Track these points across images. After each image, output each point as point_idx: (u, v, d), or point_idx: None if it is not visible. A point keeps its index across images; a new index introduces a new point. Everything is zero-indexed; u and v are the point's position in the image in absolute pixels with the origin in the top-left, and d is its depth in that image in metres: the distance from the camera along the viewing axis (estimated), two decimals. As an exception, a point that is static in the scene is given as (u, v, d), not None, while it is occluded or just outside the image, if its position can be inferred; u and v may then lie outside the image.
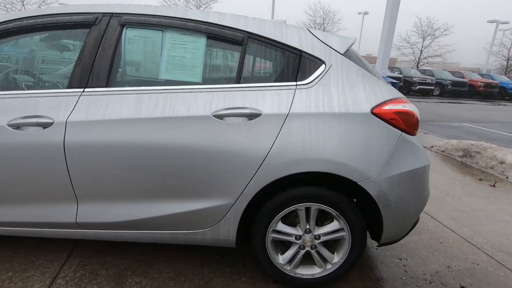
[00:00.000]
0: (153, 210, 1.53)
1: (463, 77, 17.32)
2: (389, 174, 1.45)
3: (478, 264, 2.03)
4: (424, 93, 15.92)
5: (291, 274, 1.64)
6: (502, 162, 4.17)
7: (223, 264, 1.86)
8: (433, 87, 15.94)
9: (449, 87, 16.25)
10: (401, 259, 2.02)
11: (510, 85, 17.65)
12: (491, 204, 3.03)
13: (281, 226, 1.58)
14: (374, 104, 1.47)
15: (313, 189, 1.50)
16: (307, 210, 1.55)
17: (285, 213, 1.54)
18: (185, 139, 1.43)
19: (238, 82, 1.50)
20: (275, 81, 1.53)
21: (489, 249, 2.21)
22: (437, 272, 1.92)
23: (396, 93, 1.57)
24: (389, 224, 1.54)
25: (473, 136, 6.63)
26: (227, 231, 1.56)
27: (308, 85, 1.48)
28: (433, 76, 16.56)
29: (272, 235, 1.58)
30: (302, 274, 1.65)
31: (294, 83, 1.49)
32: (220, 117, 1.43)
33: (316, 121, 1.42)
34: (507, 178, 3.93)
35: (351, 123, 1.43)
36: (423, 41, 31.86)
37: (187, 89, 1.48)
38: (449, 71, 18.17)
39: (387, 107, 1.47)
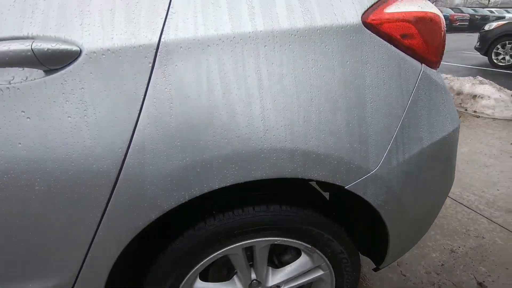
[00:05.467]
0: None
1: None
2: (402, 155, 0.71)
3: (483, 237, 1.54)
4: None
5: None
6: (459, 93, 3.83)
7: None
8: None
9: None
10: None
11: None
12: (464, 145, 2.61)
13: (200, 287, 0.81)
14: (367, 6, 0.65)
15: (262, 213, 0.72)
16: (248, 250, 0.78)
17: (202, 267, 0.75)
18: None
19: None
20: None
21: (486, 209, 1.75)
22: (442, 264, 1.37)
23: None
24: (398, 239, 0.85)
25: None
26: None
27: None
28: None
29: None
30: None
31: None
32: None
33: (238, 51, 0.58)
34: (466, 110, 3.61)
35: (320, 48, 0.62)
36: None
37: None
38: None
39: (391, 9, 0.66)
